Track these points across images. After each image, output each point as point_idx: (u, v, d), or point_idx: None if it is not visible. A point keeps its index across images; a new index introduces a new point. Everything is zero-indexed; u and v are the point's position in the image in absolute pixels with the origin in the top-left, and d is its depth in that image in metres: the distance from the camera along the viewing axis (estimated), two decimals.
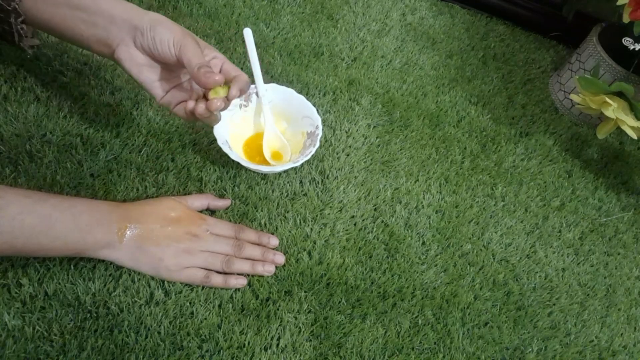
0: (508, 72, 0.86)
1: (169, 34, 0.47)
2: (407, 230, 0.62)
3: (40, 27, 0.51)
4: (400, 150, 0.70)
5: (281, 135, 0.65)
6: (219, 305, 0.51)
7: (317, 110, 0.63)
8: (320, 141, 0.64)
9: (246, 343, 0.50)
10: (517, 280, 0.61)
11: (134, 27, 0.47)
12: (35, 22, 0.51)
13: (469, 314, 0.57)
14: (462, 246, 0.62)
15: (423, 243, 0.61)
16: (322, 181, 0.64)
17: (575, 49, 0.84)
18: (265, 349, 0.50)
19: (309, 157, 0.59)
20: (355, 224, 0.61)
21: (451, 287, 0.58)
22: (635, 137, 0.65)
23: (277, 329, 0.51)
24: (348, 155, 0.67)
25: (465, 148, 0.73)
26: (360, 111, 0.73)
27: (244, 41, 0.62)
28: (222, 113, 0.61)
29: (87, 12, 0.48)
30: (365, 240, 0.60)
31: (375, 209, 0.63)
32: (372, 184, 0.65)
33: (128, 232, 0.49)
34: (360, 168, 0.66)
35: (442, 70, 0.83)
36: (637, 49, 0.73)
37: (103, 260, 0.50)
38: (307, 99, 0.64)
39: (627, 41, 0.75)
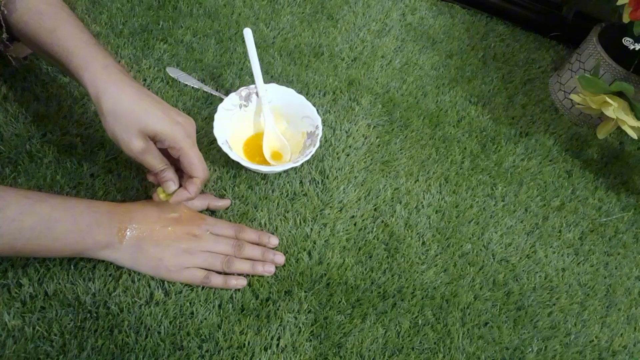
0: (508, 72, 0.86)
1: (116, 128, 0.46)
2: (407, 230, 0.62)
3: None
4: (400, 150, 0.70)
5: (281, 135, 0.65)
6: (219, 305, 0.51)
7: (317, 110, 0.63)
8: (320, 141, 0.64)
9: (246, 343, 0.50)
10: (517, 280, 0.61)
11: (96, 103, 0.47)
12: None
13: (469, 314, 0.57)
14: (462, 246, 0.62)
15: (423, 243, 0.61)
16: (322, 181, 0.64)
17: (575, 49, 0.84)
18: (265, 349, 0.50)
19: (309, 157, 0.59)
20: (355, 224, 0.61)
21: (451, 287, 0.58)
22: (635, 137, 0.65)
23: (277, 329, 0.51)
24: (348, 155, 0.67)
25: (465, 148, 0.73)
26: (360, 111, 0.73)
27: (244, 41, 0.62)
28: (223, 113, 0.61)
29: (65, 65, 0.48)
30: (365, 240, 0.60)
31: (375, 209, 0.63)
32: (372, 184, 0.65)
33: (128, 233, 0.49)
34: (360, 168, 0.66)
35: (442, 70, 0.83)
36: (637, 49, 0.73)
37: (103, 260, 0.50)
38: (307, 99, 0.64)
39: (627, 41, 0.75)
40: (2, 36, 0.50)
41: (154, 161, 0.48)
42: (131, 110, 0.46)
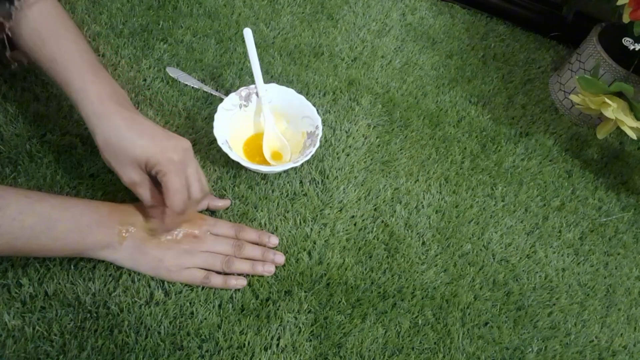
0: (508, 72, 0.86)
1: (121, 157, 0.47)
2: (407, 230, 0.62)
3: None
4: (400, 150, 0.70)
5: (281, 135, 0.65)
6: (219, 305, 0.51)
7: (317, 110, 0.63)
8: (320, 141, 0.64)
9: (246, 343, 0.50)
10: (517, 280, 0.61)
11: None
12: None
13: (469, 314, 0.57)
14: (462, 246, 0.62)
15: (423, 243, 0.61)
16: (322, 181, 0.64)
17: (575, 49, 0.84)
18: (265, 349, 0.50)
19: (309, 157, 0.59)
20: (355, 224, 0.61)
21: (451, 287, 0.58)
22: (635, 137, 0.65)
23: (277, 329, 0.51)
24: (348, 155, 0.67)
25: (465, 148, 0.73)
26: (360, 111, 0.73)
27: (244, 41, 0.62)
28: (223, 113, 0.61)
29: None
30: (365, 240, 0.60)
31: (375, 209, 0.63)
32: (372, 184, 0.65)
33: (129, 233, 0.49)
34: (360, 168, 0.66)
35: (442, 70, 0.83)
36: (637, 49, 0.73)
37: (103, 260, 0.50)
38: (307, 99, 0.64)
39: (627, 41, 0.75)
40: (7, 54, 0.52)
41: (144, 195, 0.49)
42: (118, 144, 0.47)
